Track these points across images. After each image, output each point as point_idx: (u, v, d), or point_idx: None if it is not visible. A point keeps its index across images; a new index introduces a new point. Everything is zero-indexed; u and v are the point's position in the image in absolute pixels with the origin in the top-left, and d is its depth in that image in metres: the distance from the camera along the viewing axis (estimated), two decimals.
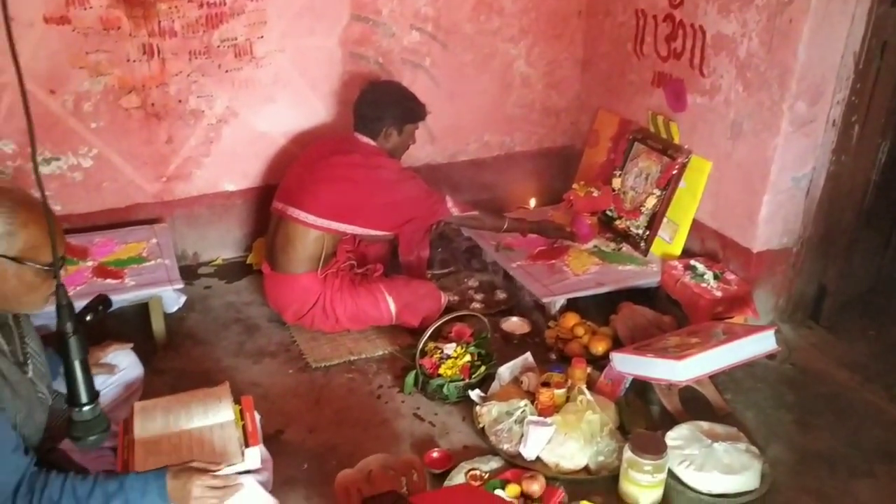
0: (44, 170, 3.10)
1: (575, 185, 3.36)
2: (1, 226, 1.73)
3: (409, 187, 3.03)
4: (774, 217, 2.96)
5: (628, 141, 3.50)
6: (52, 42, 2.93)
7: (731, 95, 2.98)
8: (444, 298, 3.08)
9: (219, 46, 3.18)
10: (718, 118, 3.05)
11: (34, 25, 2.88)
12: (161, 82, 3.16)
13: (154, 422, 2.13)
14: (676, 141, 3.28)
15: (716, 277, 3.01)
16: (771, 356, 2.86)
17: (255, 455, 2.08)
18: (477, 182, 3.85)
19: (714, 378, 2.73)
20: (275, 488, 2.17)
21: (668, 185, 3.24)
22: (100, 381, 2.36)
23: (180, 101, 3.21)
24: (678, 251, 3.24)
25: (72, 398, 1.63)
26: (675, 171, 3.22)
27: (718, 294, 2.94)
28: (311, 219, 2.90)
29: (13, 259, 1.74)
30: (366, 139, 3.02)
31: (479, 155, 3.89)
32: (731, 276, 3.04)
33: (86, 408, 1.64)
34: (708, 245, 3.21)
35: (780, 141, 2.82)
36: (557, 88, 3.90)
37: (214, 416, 2.15)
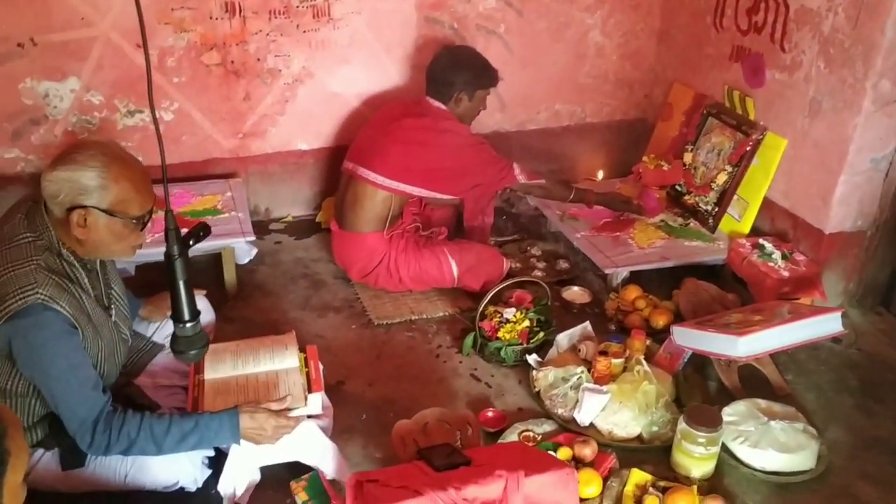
0: (127, 122, 3.24)
1: (645, 158, 3.33)
2: (94, 180, 1.84)
3: (477, 153, 3.05)
4: (850, 199, 2.88)
5: (702, 115, 3.44)
6: None
7: (811, 72, 2.90)
8: (507, 264, 3.11)
9: (298, 7, 3.24)
10: (797, 95, 2.98)
11: None
12: (241, 40, 3.24)
13: (223, 364, 2.24)
14: (752, 117, 3.22)
15: (784, 257, 2.96)
16: (836, 339, 2.84)
17: (317, 401, 2.17)
18: (545, 152, 3.84)
19: (775, 358, 2.71)
20: (334, 435, 2.26)
21: (741, 161, 3.19)
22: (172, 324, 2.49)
23: (259, 59, 3.30)
24: (747, 229, 3.19)
25: (176, 315, 1.73)
26: (748, 148, 3.16)
27: (786, 274, 2.89)
28: (379, 179, 2.96)
29: (104, 211, 1.85)
30: (437, 103, 3.05)
31: (549, 124, 3.88)
32: (800, 257, 2.98)
33: (188, 324, 1.74)
34: (778, 224, 3.15)
35: (861, 120, 2.74)
36: (632, 60, 3.85)
37: (280, 361, 2.25)
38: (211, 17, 3.16)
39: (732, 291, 3.01)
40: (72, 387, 1.84)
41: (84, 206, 1.83)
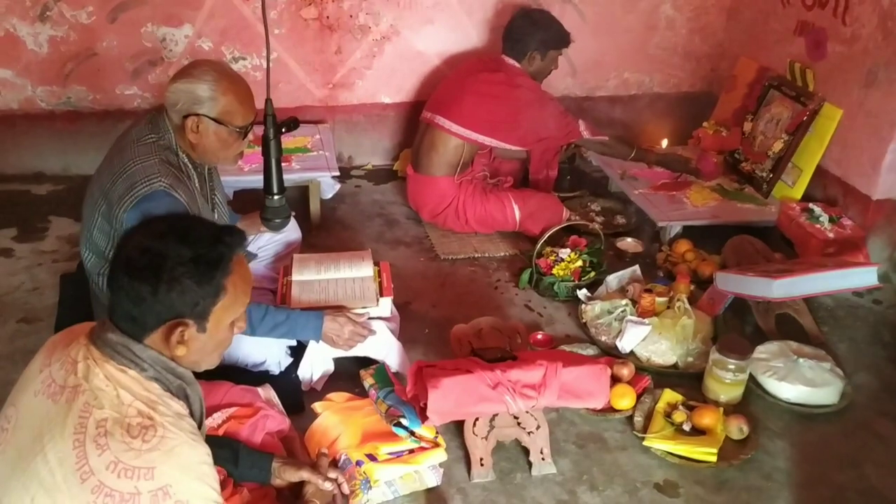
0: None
1: (705, 124, 3.52)
2: (207, 91, 2.18)
3: (545, 107, 3.30)
4: None
5: (763, 87, 3.60)
6: None
7: (869, 45, 3.05)
8: (567, 213, 3.34)
9: None
10: (854, 66, 3.13)
11: None
12: None
13: (308, 268, 2.56)
14: (811, 89, 3.37)
15: (831, 220, 3.11)
16: (877, 301, 2.98)
17: (387, 304, 2.48)
18: (613, 118, 4.06)
19: (813, 311, 2.88)
20: (400, 342, 2.56)
21: (797, 130, 3.34)
22: (266, 238, 2.83)
23: (351, 16, 3.62)
24: (799, 195, 3.35)
25: (267, 188, 2.05)
26: (805, 118, 3.32)
27: (831, 235, 3.05)
28: (454, 127, 3.24)
29: (214, 119, 2.19)
30: (511, 61, 3.31)
31: (618, 92, 4.10)
32: (847, 222, 3.13)
33: (276, 196, 2.06)
34: (829, 191, 3.30)
35: None
36: (701, 34, 4.03)
37: (357, 270, 2.56)
38: None
39: (779, 251, 3.18)
40: None
41: (197, 115, 2.17)
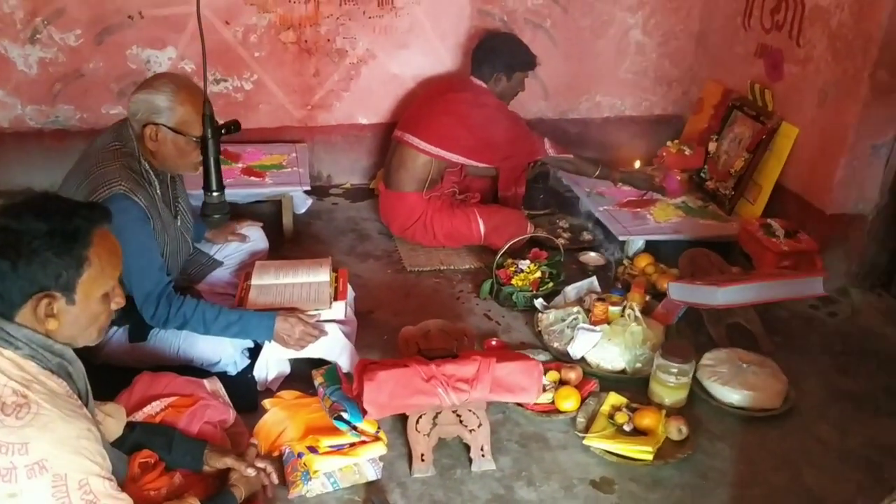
0: (214, 88, 3.76)
1: (668, 143, 3.61)
2: (165, 101, 2.31)
3: (510, 126, 3.42)
4: (850, 182, 3.11)
5: (728, 108, 3.71)
6: None
7: (820, 64, 3.15)
8: (531, 227, 3.43)
9: None
10: (808, 86, 3.23)
11: None
12: (314, 22, 3.72)
13: (268, 274, 2.67)
14: (770, 109, 3.47)
15: (788, 235, 3.18)
16: (833, 314, 3.05)
17: (341, 308, 2.57)
18: (585, 140, 4.16)
19: (767, 321, 2.95)
20: (358, 349, 2.63)
21: (757, 148, 3.44)
22: (232, 247, 2.96)
23: (329, 40, 3.77)
24: (759, 212, 3.43)
25: (206, 185, 2.15)
26: (764, 136, 3.41)
27: (785, 248, 3.11)
28: (422, 145, 3.35)
29: (171, 129, 2.31)
30: (478, 81, 3.44)
31: (590, 115, 4.21)
32: (803, 237, 3.20)
33: (215, 193, 2.15)
34: (788, 208, 3.38)
35: (861, 108, 2.97)
36: (671, 58, 4.15)
37: (314, 276, 2.66)
38: (290, 1, 3.66)
39: (738, 266, 3.25)
40: (141, 264, 2.29)
41: (156, 124, 2.30)
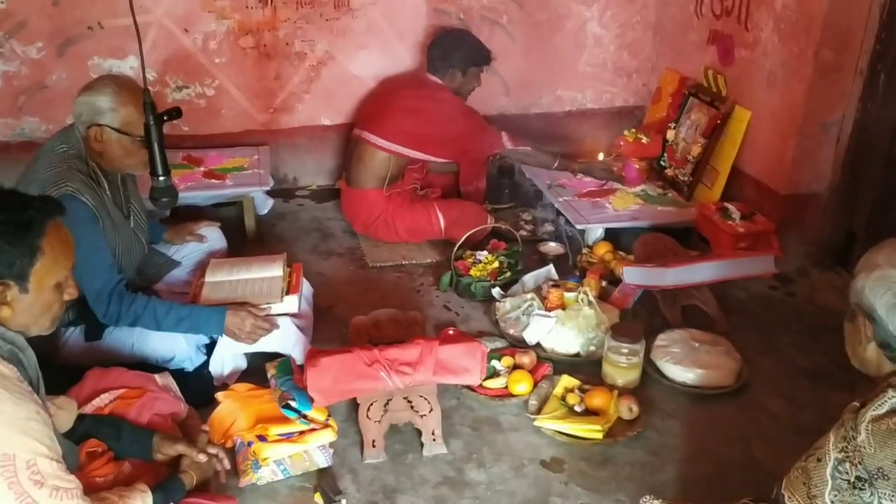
0: (175, 95, 3.79)
1: (625, 132, 3.65)
2: (107, 103, 2.34)
3: (467, 121, 3.46)
4: (802, 162, 3.14)
5: (684, 95, 3.75)
6: None
7: (768, 47, 3.20)
8: (491, 220, 3.47)
9: None
10: (758, 69, 3.27)
11: None
12: (272, 27, 3.77)
13: (221, 271, 2.70)
14: (724, 93, 3.51)
15: (744, 217, 3.21)
16: (791, 294, 3.07)
17: (293, 301, 2.60)
18: (549, 134, 4.18)
19: (725, 302, 2.97)
20: (316, 343, 2.66)
21: (713, 134, 3.48)
22: (190, 248, 2.99)
23: (287, 44, 3.82)
24: (717, 196, 3.46)
25: (152, 170, 2.17)
26: (718, 121, 3.45)
27: (741, 230, 3.15)
28: (380, 142, 3.39)
29: (115, 129, 2.34)
30: (434, 77, 3.48)
31: (552, 109, 4.25)
32: (759, 218, 3.23)
33: (161, 178, 2.17)
34: (745, 191, 3.42)
35: (807, 88, 3.01)
36: (629, 50, 4.19)
37: (267, 271, 2.69)
38: (247, 7, 3.70)
39: (696, 250, 3.28)
40: (91, 263, 2.31)
41: (100, 125, 2.33)
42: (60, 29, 3.60)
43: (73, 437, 1.89)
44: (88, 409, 2.05)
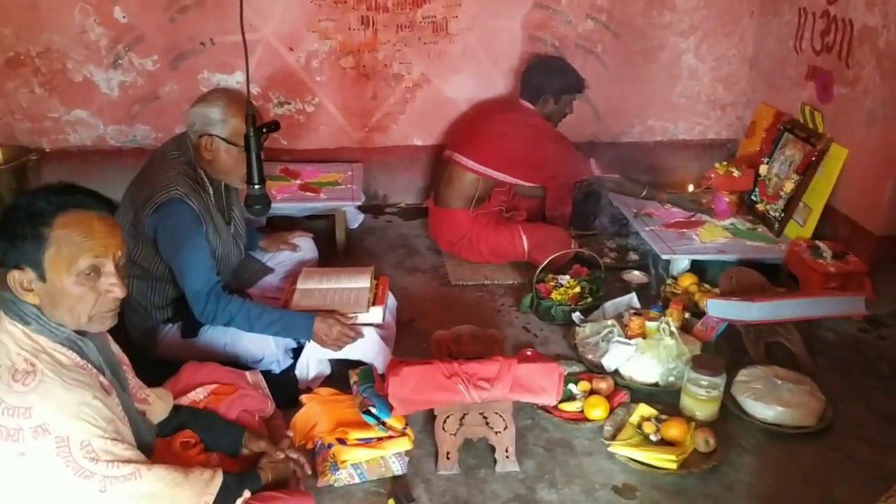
0: (277, 110, 3.98)
1: (717, 165, 3.62)
2: (218, 114, 2.49)
3: (556, 146, 3.51)
4: None
5: (779, 131, 3.70)
6: (294, 10, 3.80)
7: (869, 85, 3.14)
8: (574, 245, 3.49)
9: (420, 22, 3.88)
10: (857, 107, 3.21)
11: None
12: (372, 48, 3.91)
13: (312, 279, 2.81)
14: (821, 130, 3.45)
15: (835, 256, 3.14)
16: (882, 337, 2.98)
17: (378, 312, 2.68)
18: (638, 163, 4.18)
19: (812, 342, 2.91)
20: (397, 354, 2.73)
21: (807, 170, 3.41)
22: (284, 256, 3.13)
23: (386, 65, 3.95)
24: (809, 233, 3.39)
25: (249, 178, 2.29)
26: (813, 158, 3.39)
27: (832, 270, 3.08)
28: (469, 163, 3.47)
29: (224, 140, 2.49)
30: (526, 103, 3.54)
31: (643, 138, 4.26)
32: (852, 258, 3.15)
33: (256, 186, 2.29)
34: (838, 229, 3.34)
35: None
36: (724, 83, 4.17)
37: (355, 282, 2.79)
38: (349, 28, 3.86)
39: (783, 287, 3.22)
40: (192, 264, 2.47)
41: (210, 135, 2.48)
42: (175, 44, 3.84)
43: (170, 427, 2.03)
44: (184, 401, 2.18)
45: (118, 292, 1.63)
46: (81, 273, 1.58)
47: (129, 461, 1.60)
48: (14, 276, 1.58)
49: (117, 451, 1.58)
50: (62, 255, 1.57)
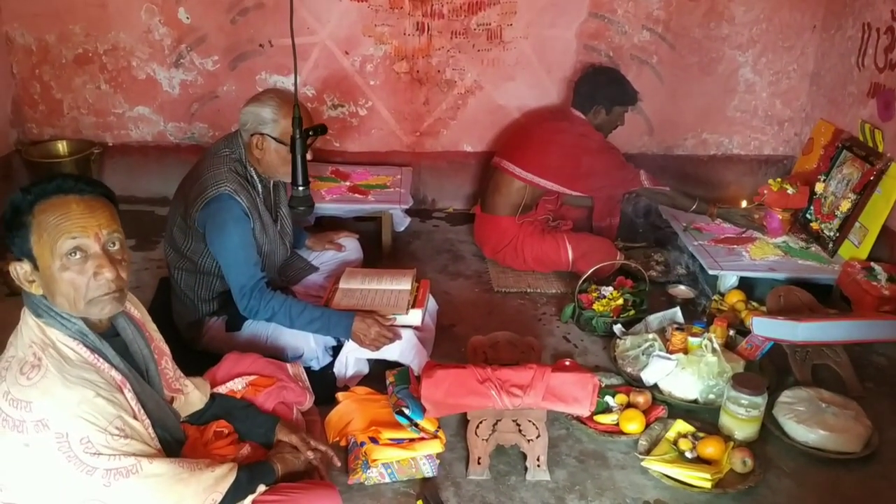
0: (331, 113, 4.05)
1: (770, 181, 3.54)
2: (270, 114, 2.55)
3: (606, 157, 3.48)
4: None
5: (837, 148, 3.60)
6: (351, 15, 3.86)
7: None
8: (620, 256, 3.46)
9: (475, 29, 3.90)
10: None
11: (342, 1, 3.82)
12: (426, 54, 3.95)
13: (355, 279, 2.85)
14: (881, 149, 3.35)
15: (891, 279, 3.05)
16: None
17: (417, 315, 2.70)
18: (690, 176, 4.14)
19: (861, 366, 2.83)
20: (435, 357, 2.76)
21: (864, 189, 3.32)
22: (329, 255, 3.18)
23: (439, 71, 3.99)
24: (865, 255, 3.29)
25: (294, 180, 2.34)
26: (872, 177, 3.29)
27: (886, 293, 2.98)
28: (517, 171, 3.47)
29: (275, 139, 2.55)
30: (578, 113, 3.53)
31: (696, 152, 4.19)
32: None
33: (301, 188, 2.34)
34: (895, 252, 3.23)
35: None
36: (783, 98, 4.08)
37: (397, 284, 2.82)
38: (404, 34, 3.90)
39: (834, 309, 3.14)
40: (238, 259, 2.53)
41: (261, 134, 2.54)
42: (235, 45, 3.94)
43: (206, 416, 2.07)
44: (223, 390, 2.23)
45: (108, 273, 1.60)
46: (64, 256, 1.57)
47: (132, 454, 1.59)
48: (15, 269, 1.61)
49: (119, 444, 1.58)
50: (44, 240, 1.57)
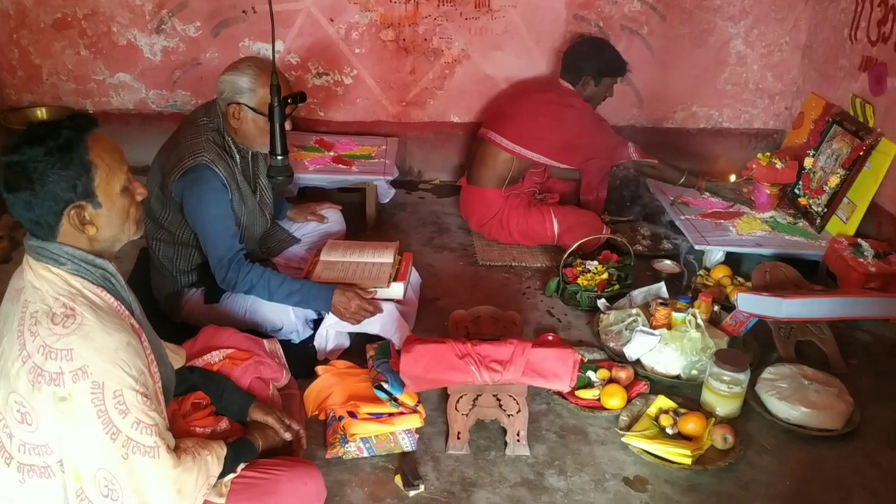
0: (315, 81, 3.98)
1: (759, 155, 3.50)
2: (247, 83, 2.49)
3: (594, 128, 3.44)
4: None
5: (827, 123, 3.56)
6: None
7: None
8: (606, 231, 3.43)
9: None
10: None
11: None
12: (413, 22, 3.87)
13: (336, 251, 2.81)
14: (871, 124, 3.31)
15: (877, 256, 3.03)
16: None
17: (399, 288, 2.67)
18: (679, 150, 4.09)
19: (846, 343, 2.82)
20: (417, 331, 2.73)
21: (853, 165, 3.29)
22: (311, 227, 3.13)
23: (426, 39, 3.91)
24: (852, 231, 3.27)
25: (272, 149, 2.29)
26: (861, 153, 3.26)
27: (872, 270, 2.96)
28: (504, 142, 3.42)
29: (252, 108, 2.49)
30: (566, 83, 3.47)
31: (685, 125, 4.15)
32: (895, 259, 3.04)
33: (279, 157, 2.28)
34: (883, 229, 3.22)
35: None
36: (774, 71, 4.03)
37: (378, 257, 2.79)
38: (391, 1, 3.82)
39: (822, 285, 3.12)
40: (216, 230, 2.48)
41: (238, 103, 2.48)
42: (217, 11, 3.85)
43: (184, 387, 2.03)
44: (199, 362, 2.19)
45: (144, 192, 1.71)
46: (125, 185, 1.64)
47: (153, 430, 1.57)
48: (72, 216, 1.57)
49: (145, 409, 1.56)
50: (106, 174, 1.59)
